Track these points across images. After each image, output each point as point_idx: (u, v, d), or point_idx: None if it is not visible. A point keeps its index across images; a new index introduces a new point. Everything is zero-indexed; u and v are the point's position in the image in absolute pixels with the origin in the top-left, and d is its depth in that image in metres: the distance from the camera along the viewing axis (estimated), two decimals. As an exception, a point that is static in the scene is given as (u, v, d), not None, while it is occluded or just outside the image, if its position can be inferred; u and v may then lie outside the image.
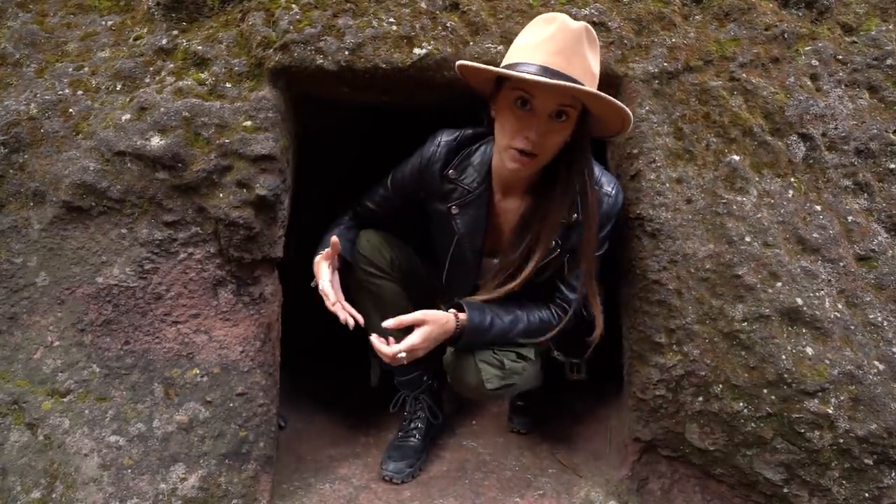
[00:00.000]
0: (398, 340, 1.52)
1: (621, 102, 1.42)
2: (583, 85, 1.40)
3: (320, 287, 1.57)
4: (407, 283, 1.81)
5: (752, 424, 1.57)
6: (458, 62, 1.48)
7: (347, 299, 1.62)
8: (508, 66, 1.44)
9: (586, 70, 1.42)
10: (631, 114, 1.43)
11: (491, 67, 1.44)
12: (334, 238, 1.58)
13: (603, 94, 1.40)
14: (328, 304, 1.55)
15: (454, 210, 1.67)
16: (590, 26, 1.43)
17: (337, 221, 1.82)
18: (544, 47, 1.40)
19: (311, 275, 1.66)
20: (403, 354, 1.48)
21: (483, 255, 1.74)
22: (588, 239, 1.56)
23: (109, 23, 1.78)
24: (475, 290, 1.77)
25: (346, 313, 1.54)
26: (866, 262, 1.63)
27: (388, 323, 1.48)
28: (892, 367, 1.55)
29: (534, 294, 1.67)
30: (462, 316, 1.57)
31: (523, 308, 1.64)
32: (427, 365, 1.97)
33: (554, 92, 1.40)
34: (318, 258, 1.63)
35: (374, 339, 1.50)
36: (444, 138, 1.66)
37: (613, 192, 1.60)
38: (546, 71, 1.38)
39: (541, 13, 1.67)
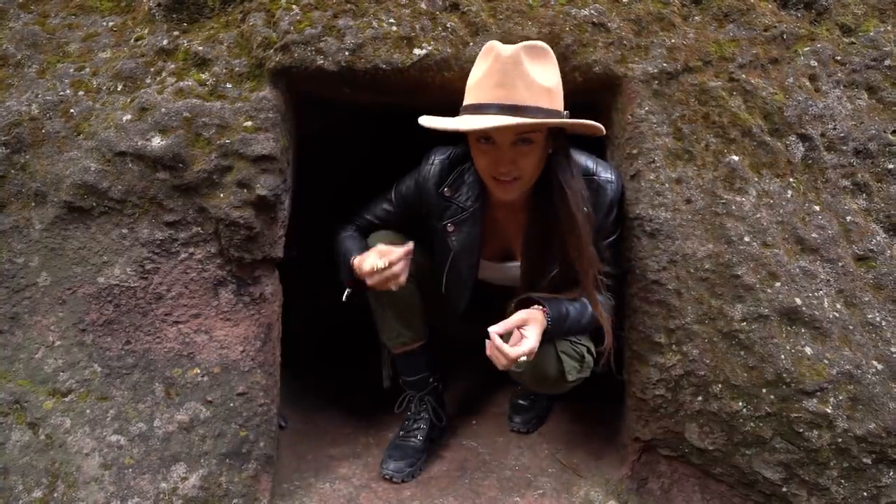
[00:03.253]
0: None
1: (577, 120, 1.42)
2: (531, 106, 1.39)
3: (376, 264, 1.53)
4: (420, 281, 1.83)
5: (752, 424, 1.57)
6: (420, 120, 1.47)
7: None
8: (463, 108, 1.47)
9: (535, 90, 1.41)
10: (589, 122, 1.43)
11: (439, 126, 1.42)
12: (411, 244, 1.56)
13: (539, 121, 1.39)
14: (380, 277, 1.53)
15: (449, 227, 1.70)
16: (530, 43, 1.43)
17: (343, 233, 1.82)
18: (485, 83, 1.42)
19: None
20: (525, 358, 1.43)
21: (479, 266, 1.77)
22: (573, 230, 1.54)
23: (110, 23, 1.79)
24: (472, 301, 1.81)
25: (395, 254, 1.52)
26: (865, 262, 1.63)
27: (497, 328, 1.44)
28: (891, 366, 1.55)
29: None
30: (545, 309, 1.55)
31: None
32: (433, 367, 1.99)
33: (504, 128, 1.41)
34: (359, 258, 1.62)
35: (496, 339, 1.43)
36: (438, 157, 1.69)
37: (613, 177, 1.62)
38: (492, 107, 1.39)
39: (540, 13, 1.69)
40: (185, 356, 1.63)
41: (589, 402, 2.13)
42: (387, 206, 1.81)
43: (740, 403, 1.57)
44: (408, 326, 1.85)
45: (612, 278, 1.67)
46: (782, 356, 1.55)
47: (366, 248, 1.74)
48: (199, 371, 1.63)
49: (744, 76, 1.69)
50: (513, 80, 1.39)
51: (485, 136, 1.46)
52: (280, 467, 1.79)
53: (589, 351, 1.68)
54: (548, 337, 1.55)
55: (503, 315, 1.56)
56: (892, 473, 1.54)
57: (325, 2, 1.67)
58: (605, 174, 1.61)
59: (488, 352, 1.44)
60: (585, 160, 1.62)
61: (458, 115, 1.50)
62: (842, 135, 1.68)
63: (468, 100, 1.47)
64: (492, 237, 1.75)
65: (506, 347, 1.42)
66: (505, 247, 1.77)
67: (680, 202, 1.63)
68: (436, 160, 1.69)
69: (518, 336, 1.47)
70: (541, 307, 1.55)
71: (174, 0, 1.72)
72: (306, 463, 1.90)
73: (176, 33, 1.72)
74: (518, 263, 1.75)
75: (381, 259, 1.53)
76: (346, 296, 1.72)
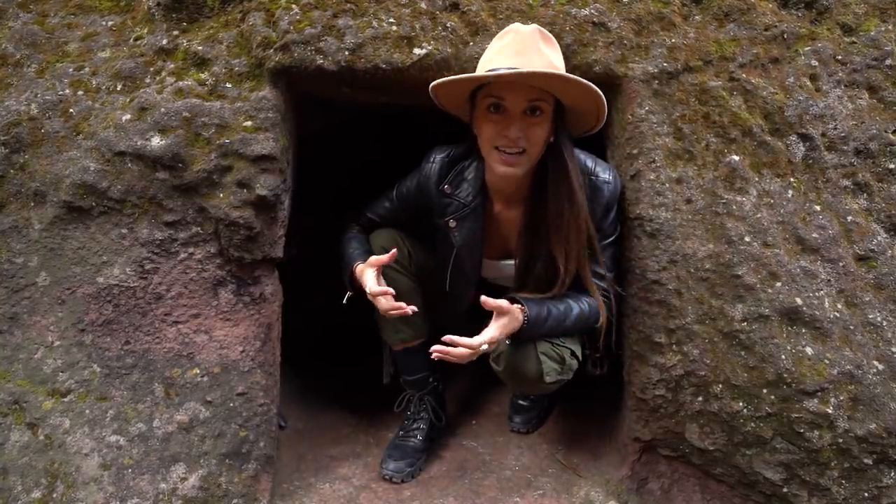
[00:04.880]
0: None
1: (593, 84, 1.43)
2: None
3: (372, 291, 1.58)
4: (421, 279, 1.83)
5: (752, 424, 1.57)
6: (432, 84, 1.51)
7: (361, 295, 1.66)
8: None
9: (548, 64, 1.47)
10: (601, 92, 1.45)
11: (456, 77, 1.49)
12: (394, 251, 1.59)
13: (567, 74, 1.44)
14: (384, 306, 1.57)
15: (451, 224, 1.71)
16: (543, 28, 1.51)
17: (347, 233, 1.83)
18: (503, 53, 1.47)
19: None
20: (486, 346, 1.46)
21: (482, 262, 1.78)
22: (578, 228, 1.55)
23: (110, 23, 1.78)
24: (475, 298, 1.78)
25: (405, 306, 1.56)
26: (865, 261, 1.63)
27: (484, 301, 1.46)
28: (892, 366, 1.55)
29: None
30: (524, 309, 1.56)
31: (572, 298, 1.64)
32: (434, 366, 1.99)
33: (520, 87, 1.45)
34: (360, 267, 1.65)
35: (453, 338, 1.45)
36: (438, 155, 1.71)
37: (611, 177, 1.62)
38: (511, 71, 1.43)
39: (540, 13, 1.69)
40: (184, 356, 1.63)
41: (589, 402, 2.13)
42: (388, 205, 1.83)
43: (741, 403, 1.57)
44: (407, 324, 1.84)
45: (607, 281, 1.67)
46: (783, 356, 1.55)
47: (368, 250, 1.75)
48: (198, 371, 1.63)
49: (744, 76, 1.69)
50: (531, 51, 1.46)
51: (496, 103, 1.48)
52: (280, 467, 1.78)
53: (573, 354, 1.68)
54: (526, 337, 1.57)
55: None
56: (892, 474, 1.54)
57: (325, 1, 1.67)
58: (604, 174, 1.62)
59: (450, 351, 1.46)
60: (585, 159, 1.62)
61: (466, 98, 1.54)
62: (842, 134, 1.68)
63: (482, 70, 1.50)
64: (492, 234, 1.75)
65: (464, 340, 1.44)
66: (504, 245, 1.77)
67: (680, 202, 1.63)
68: (436, 158, 1.71)
69: (489, 327, 1.50)
70: (520, 306, 1.56)
71: (174, 0, 1.72)
72: (306, 463, 1.90)
73: (175, 33, 1.72)
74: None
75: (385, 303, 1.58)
76: (347, 299, 1.73)
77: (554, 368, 1.64)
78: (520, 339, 1.57)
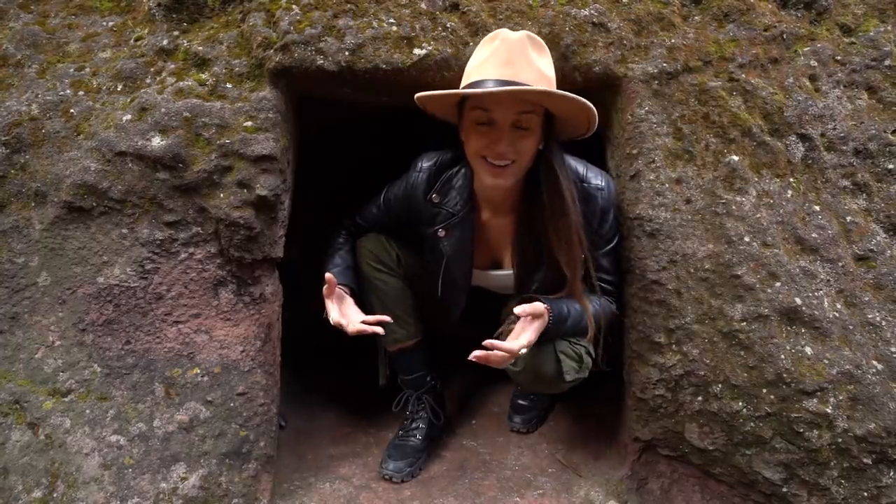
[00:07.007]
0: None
1: (583, 98, 1.42)
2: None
3: (333, 321, 1.57)
4: (412, 281, 1.83)
5: (752, 424, 1.57)
6: (417, 95, 1.48)
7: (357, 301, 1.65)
8: (464, 87, 1.47)
9: (538, 74, 1.43)
10: (592, 105, 1.43)
11: (442, 91, 1.45)
12: (329, 276, 1.57)
13: (553, 90, 1.42)
14: (348, 331, 1.56)
15: (440, 233, 1.70)
16: (532, 34, 1.47)
17: (334, 243, 1.82)
18: (492, 62, 1.43)
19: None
20: (524, 350, 1.45)
21: (472, 271, 1.77)
22: (576, 233, 1.55)
23: (110, 23, 1.79)
24: (467, 305, 1.82)
25: (370, 326, 1.54)
26: (865, 261, 1.63)
27: (522, 309, 1.45)
28: (891, 366, 1.55)
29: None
30: (549, 308, 1.54)
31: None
32: (431, 365, 1.99)
33: (509, 101, 1.42)
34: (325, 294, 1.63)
35: (493, 342, 1.43)
36: (425, 163, 1.70)
37: (604, 183, 1.62)
38: (498, 83, 1.40)
39: (540, 13, 1.69)
40: (185, 356, 1.63)
41: (589, 402, 2.13)
42: (376, 211, 1.82)
43: (740, 403, 1.57)
44: (400, 325, 1.84)
45: (612, 285, 1.68)
46: (782, 356, 1.55)
47: (349, 265, 1.75)
48: (199, 371, 1.63)
49: (744, 76, 1.69)
50: (520, 61, 1.42)
51: (485, 117, 1.45)
52: (280, 467, 1.79)
53: (587, 352, 1.68)
54: (547, 337, 1.55)
55: (499, 318, 1.55)
56: (892, 473, 1.54)
57: (325, 2, 1.67)
58: (597, 181, 1.61)
59: (486, 356, 1.43)
60: (576, 165, 1.62)
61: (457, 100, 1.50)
62: (842, 135, 1.68)
63: (471, 78, 1.47)
64: (481, 244, 1.75)
65: (505, 344, 1.42)
66: (493, 254, 1.77)
67: (680, 202, 1.63)
68: (423, 167, 1.69)
69: (518, 330, 1.48)
70: (545, 306, 1.54)
71: (174, 0, 1.72)
72: (306, 463, 1.90)
73: (176, 33, 1.72)
74: (506, 272, 1.76)
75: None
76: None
77: (573, 367, 1.63)
78: (543, 338, 1.55)
